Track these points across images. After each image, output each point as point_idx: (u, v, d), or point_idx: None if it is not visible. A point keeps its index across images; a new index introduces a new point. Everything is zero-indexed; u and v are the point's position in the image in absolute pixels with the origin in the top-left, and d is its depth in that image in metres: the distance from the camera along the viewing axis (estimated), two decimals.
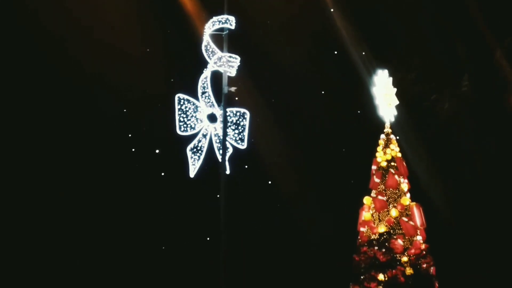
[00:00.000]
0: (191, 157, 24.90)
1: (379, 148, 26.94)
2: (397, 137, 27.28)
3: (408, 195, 26.49)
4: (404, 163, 26.90)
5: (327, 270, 29.68)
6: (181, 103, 24.89)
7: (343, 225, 28.98)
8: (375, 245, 25.41)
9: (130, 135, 33.78)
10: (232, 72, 24.27)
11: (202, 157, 24.86)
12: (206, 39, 24.71)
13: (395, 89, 27.60)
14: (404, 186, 26.50)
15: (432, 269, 25.45)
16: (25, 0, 32.85)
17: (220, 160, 23.96)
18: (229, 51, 24.40)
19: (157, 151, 30.22)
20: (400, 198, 26.23)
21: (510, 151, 29.96)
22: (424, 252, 25.61)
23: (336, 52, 31.96)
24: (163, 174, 29.88)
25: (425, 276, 25.19)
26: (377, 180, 26.50)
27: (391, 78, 27.55)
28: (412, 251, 25.52)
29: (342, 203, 30.52)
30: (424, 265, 25.22)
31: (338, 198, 31.54)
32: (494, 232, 29.37)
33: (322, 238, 31.24)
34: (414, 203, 26.31)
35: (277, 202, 33.54)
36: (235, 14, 24.58)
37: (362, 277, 25.27)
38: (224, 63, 24.20)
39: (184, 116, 24.87)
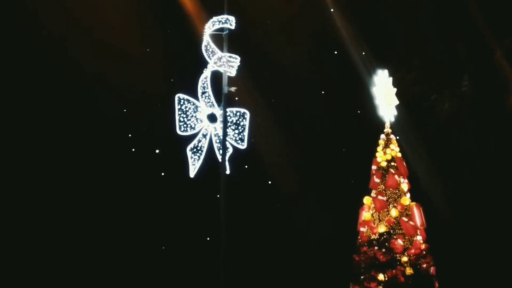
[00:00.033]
0: (191, 157, 24.85)
1: (379, 148, 26.93)
2: (397, 137, 27.25)
3: (408, 195, 26.48)
4: (404, 163, 26.89)
5: (327, 270, 29.55)
6: (181, 103, 24.83)
7: (343, 225, 28.87)
8: (375, 245, 25.38)
9: (130, 135, 33.89)
10: (232, 72, 24.18)
11: (202, 157, 24.79)
12: (206, 39, 24.65)
13: (395, 89, 27.60)
14: (404, 186, 26.50)
15: (432, 269, 25.40)
16: (25, 0, 33.00)
17: (220, 160, 23.85)
18: (229, 51, 24.26)
19: (157, 151, 30.19)
20: (400, 198, 26.22)
21: (510, 151, 29.87)
22: (424, 252, 25.59)
23: (336, 52, 31.95)
24: (163, 174, 29.88)
25: (425, 276, 25.15)
26: (377, 180, 26.48)
27: (391, 78, 27.56)
28: (412, 251, 25.49)
29: (342, 203, 30.43)
30: (424, 265, 25.18)
31: (338, 198, 31.44)
32: (494, 232, 29.22)
33: (322, 238, 31.16)
34: (414, 203, 26.29)
35: (277, 202, 33.49)
36: (235, 14, 24.47)
37: (362, 277, 25.23)
38: (224, 63, 24.14)
39: (184, 116, 24.82)
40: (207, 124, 24.89)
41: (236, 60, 24.21)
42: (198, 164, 24.76)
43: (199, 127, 24.82)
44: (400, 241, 25.37)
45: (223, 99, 23.86)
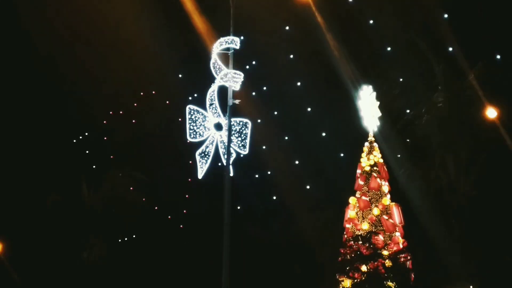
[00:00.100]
0: (200, 161, 26.19)
1: (363, 154, 27.83)
2: (379, 145, 28.09)
3: (388, 196, 27.32)
4: (385, 168, 27.81)
5: (318, 262, 30.48)
6: (191, 113, 26.26)
7: (332, 222, 30.18)
8: (359, 240, 26.07)
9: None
10: (237, 87, 25.43)
11: (209, 161, 26.11)
12: (214, 57, 26.01)
13: (378, 103, 28.33)
14: (385, 188, 27.37)
15: (408, 263, 26.07)
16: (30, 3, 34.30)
17: (225, 164, 24.95)
18: (234, 68, 25.50)
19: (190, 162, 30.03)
20: (381, 198, 27.10)
21: (477, 158, 31.12)
22: (402, 247, 26.35)
23: (328, 70, 32.96)
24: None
25: (402, 268, 25.71)
26: (361, 182, 27.43)
27: (374, 93, 28.36)
28: (392, 246, 26.31)
29: (331, 203, 31.69)
30: (402, 259, 25.82)
31: (328, 198, 32.76)
32: (465, 229, 30.52)
33: (312, 233, 32.25)
34: (393, 203, 27.24)
35: (276, 202, 35.10)
36: (239, 34, 25.91)
37: (347, 268, 25.89)
38: (230, 78, 25.37)
39: (194, 124, 26.16)
40: (214, 132, 26.20)
41: (240, 76, 25.44)
42: (205, 167, 26.12)
43: (207, 134, 26.15)
44: (381, 237, 26.23)
45: (228, 110, 24.99)
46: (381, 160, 27.83)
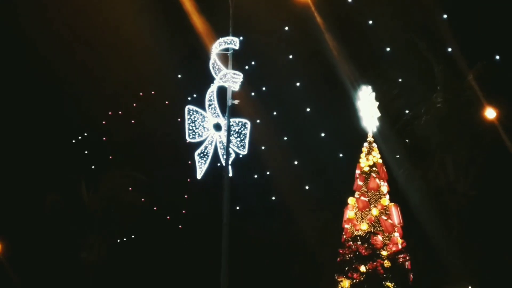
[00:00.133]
0: (199, 161, 26.51)
1: (363, 155, 27.88)
2: (378, 145, 28.13)
3: (387, 196, 27.34)
4: (384, 168, 27.85)
5: (317, 262, 30.38)
6: (191, 113, 26.58)
7: (331, 222, 29.99)
8: (358, 240, 26.07)
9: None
10: (236, 87, 25.69)
11: (208, 161, 26.42)
12: (213, 57, 26.33)
13: (377, 103, 28.40)
14: (384, 188, 27.42)
15: (407, 263, 26.08)
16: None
17: (224, 164, 25.22)
18: (233, 69, 25.83)
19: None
20: (380, 199, 27.15)
21: (476, 159, 31.10)
22: (401, 248, 26.35)
23: (327, 71, 32.93)
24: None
25: (401, 269, 25.70)
26: (360, 183, 27.47)
27: (374, 94, 28.43)
28: (390, 246, 26.32)
29: (330, 203, 31.58)
30: (401, 259, 25.84)
31: (327, 198, 32.68)
32: (463, 229, 30.55)
33: (311, 233, 32.23)
34: (392, 203, 27.29)
35: (275, 202, 35.05)
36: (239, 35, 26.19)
37: (346, 268, 25.88)
38: (229, 79, 25.64)
39: (193, 125, 26.48)
40: (213, 132, 26.53)
41: (239, 77, 25.74)
42: (204, 167, 26.44)
43: (206, 135, 26.47)
44: (380, 237, 26.26)
45: (227, 110, 25.24)
46: (380, 161, 27.88)
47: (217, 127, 26.56)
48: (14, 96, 35.47)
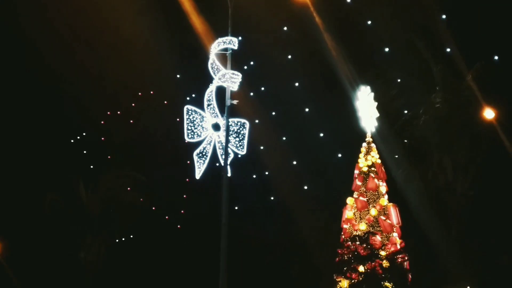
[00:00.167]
0: (197, 161, 26.49)
1: (361, 155, 27.89)
2: (377, 145, 28.14)
3: (386, 196, 27.36)
4: (382, 168, 27.85)
5: (315, 262, 30.13)
6: (189, 113, 26.54)
7: (329, 222, 29.96)
8: (356, 241, 26.13)
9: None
10: (234, 87, 25.77)
11: (207, 161, 26.42)
12: (212, 57, 26.33)
13: (376, 103, 28.39)
14: (383, 188, 27.46)
15: (406, 263, 26.12)
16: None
17: (222, 164, 25.33)
18: (232, 69, 25.89)
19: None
20: (379, 199, 27.16)
21: (474, 159, 31.09)
22: (399, 248, 26.36)
23: (326, 71, 33.00)
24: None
25: (399, 269, 25.77)
26: (359, 183, 27.47)
27: (372, 94, 28.41)
28: (389, 246, 26.30)
29: (328, 203, 31.62)
30: (399, 260, 25.90)
31: (325, 198, 32.73)
32: (461, 229, 30.52)
33: (310, 233, 32.10)
34: (391, 203, 27.29)
35: (274, 202, 35.15)
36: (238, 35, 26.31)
37: (345, 268, 25.95)
38: (228, 79, 25.71)
39: (192, 125, 26.45)
40: (212, 132, 26.54)
41: (238, 77, 25.82)
42: (203, 167, 26.43)
43: (205, 135, 26.45)
44: (378, 237, 26.30)
45: (226, 110, 25.46)
46: (379, 161, 27.90)
47: (216, 127, 26.57)
48: (13, 96, 35.49)
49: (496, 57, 31.52)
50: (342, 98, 31.47)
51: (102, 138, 37.25)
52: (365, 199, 27.21)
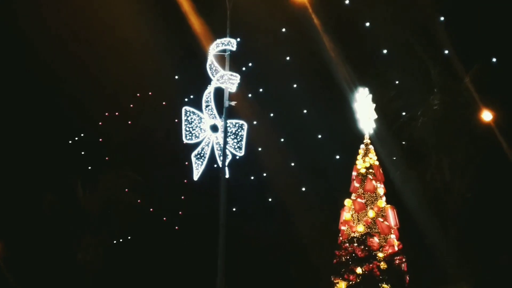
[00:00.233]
0: (195, 162, 26.56)
1: (359, 157, 27.97)
2: (375, 147, 28.21)
3: (384, 198, 27.52)
4: (380, 170, 27.97)
5: (313, 264, 30.42)
6: (187, 114, 26.60)
7: (327, 224, 30.21)
8: (354, 242, 26.15)
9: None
10: (233, 88, 25.76)
11: (205, 162, 26.47)
12: (210, 58, 26.38)
13: (374, 105, 28.47)
14: (381, 190, 27.58)
15: (403, 265, 26.18)
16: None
17: (220, 165, 25.29)
18: (230, 70, 25.87)
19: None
20: (377, 201, 27.31)
21: (472, 161, 31.11)
22: (397, 249, 26.50)
23: (324, 72, 32.98)
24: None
25: (397, 271, 25.81)
26: (357, 184, 27.55)
27: (370, 96, 28.53)
28: (387, 248, 26.52)
29: (326, 205, 31.75)
30: (397, 261, 25.94)
31: (323, 200, 32.75)
32: (459, 230, 30.45)
33: (308, 235, 32.36)
34: (389, 205, 27.46)
35: (272, 203, 35.10)
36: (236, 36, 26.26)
37: (342, 270, 25.97)
38: (226, 80, 25.72)
39: (190, 126, 26.48)
40: (210, 134, 26.57)
41: (236, 78, 25.81)
42: (201, 168, 26.47)
43: (203, 136, 26.49)
44: (376, 239, 26.42)
45: (224, 111, 25.39)
46: (377, 162, 27.96)
47: (214, 128, 26.58)
48: (12, 96, 35.44)
49: (494, 59, 31.52)
50: (340, 99, 31.56)
51: (100, 139, 37.20)
52: (363, 201, 27.32)
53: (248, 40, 31.02)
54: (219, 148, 26.22)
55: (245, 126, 26.53)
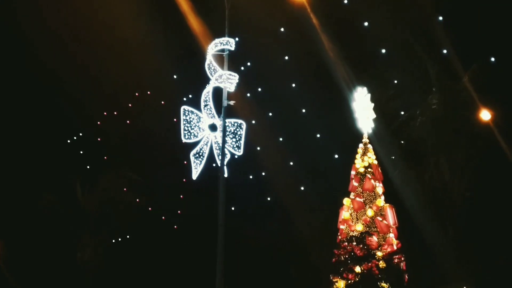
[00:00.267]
0: (194, 162, 26.52)
1: (358, 156, 27.85)
2: (374, 146, 28.12)
3: (383, 197, 27.35)
4: (379, 169, 27.87)
5: (312, 263, 30.67)
6: (186, 114, 26.54)
7: (326, 223, 30.28)
8: (353, 241, 26.12)
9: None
10: (231, 88, 25.76)
11: (203, 161, 26.44)
12: (209, 58, 26.33)
13: (373, 105, 28.36)
14: (379, 189, 27.42)
15: (402, 264, 26.16)
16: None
17: (219, 164, 25.27)
18: (229, 69, 25.84)
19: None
20: (376, 200, 27.13)
21: (471, 161, 31.25)
22: (396, 248, 26.40)
23: (322, 72, 33.07)
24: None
25: (396, 270, 25.80)
26: (355, 184, 27.46)
27: (369, 95, 28.44)
28: (385, 247, 26.37)
29: (325, 204, 31.76)
30: (396, 260, 25.93)
31: (322, 199, 32.76)
32: (458, 229, 30.60)
33: (307, 234, 32.44)
34: (387, 204, 27.28)
35: (271, 202, 35.12)
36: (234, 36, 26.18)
37: (341, 269, 26.00)
38: (224, 80, 25.69)
39: (189, 125, 26.44)
40: (209, 133, 26.53)
41: (235, 78, 25.78)
42: (200, 168, 26.44)
43: (202, 135, 26.46)
44: (375, 238, 26.29)
45: (223, 111, 25.34)
46: (376, 162, 27.91)
47: (213, 127, 26.55)
48: (12, 96, 35.50)
49: (492, 59, 31.51)
50: (339, 99, 31.55)
51: (99, 139, 37.25)
52: (361, 200, 27.24)
53: (247, 39, 30.88)
54: (218, 148, 26.15)
55: (244, 126, 26.50)
